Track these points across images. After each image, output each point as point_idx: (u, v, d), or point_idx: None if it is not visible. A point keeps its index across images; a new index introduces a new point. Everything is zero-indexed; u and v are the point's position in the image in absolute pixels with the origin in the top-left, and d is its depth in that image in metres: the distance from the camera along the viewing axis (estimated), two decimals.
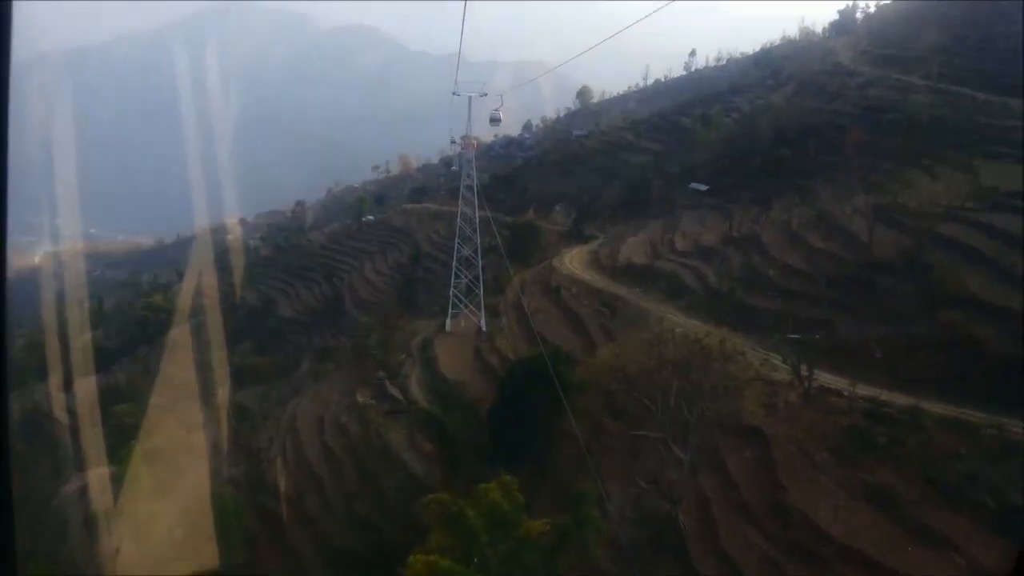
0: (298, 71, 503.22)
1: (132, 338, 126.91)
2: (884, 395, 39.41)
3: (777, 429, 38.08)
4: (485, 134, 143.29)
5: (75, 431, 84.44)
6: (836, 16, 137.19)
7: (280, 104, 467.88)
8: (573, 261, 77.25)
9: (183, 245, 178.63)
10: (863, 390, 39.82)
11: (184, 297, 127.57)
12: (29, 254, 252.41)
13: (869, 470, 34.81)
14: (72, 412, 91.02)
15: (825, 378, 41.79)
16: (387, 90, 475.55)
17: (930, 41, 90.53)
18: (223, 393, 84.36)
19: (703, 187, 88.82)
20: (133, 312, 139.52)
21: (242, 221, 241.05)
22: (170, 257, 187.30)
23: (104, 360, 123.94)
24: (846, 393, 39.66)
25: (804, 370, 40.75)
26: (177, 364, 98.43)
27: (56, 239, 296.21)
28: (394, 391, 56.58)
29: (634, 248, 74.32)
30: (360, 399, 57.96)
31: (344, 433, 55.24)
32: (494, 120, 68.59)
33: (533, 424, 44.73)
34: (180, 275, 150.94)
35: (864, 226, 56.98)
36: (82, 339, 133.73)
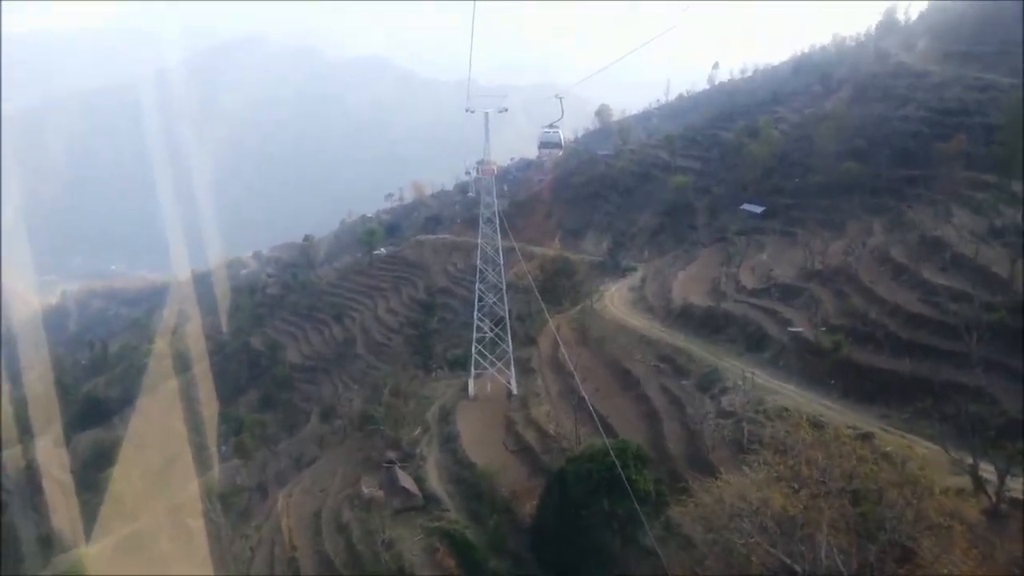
0: (311, 103, 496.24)
1: (134, 386, 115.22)
2: None
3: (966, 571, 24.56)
4: (500, 157, 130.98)
5: (58, 504, 73.31)
6: (880, 17, 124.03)
7: (294, 136, 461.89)
8: (615, 301, 64.27)
9: (197, 281, 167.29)
10: None
11: (184, 342, 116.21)
12: (49, 294, 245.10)
13: None
14: (62, 476, 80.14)
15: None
16: (400, 119, 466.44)
17: (1004, 36, 77.51)
18: (214, 465, 72.59)
19: (758, 208, 75.73)
20: (136, 358, 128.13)
21: (256, 255, 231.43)
22: (184, 293, 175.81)
23: (104, 412, 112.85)
24: None
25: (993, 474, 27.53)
26: (169, 422, 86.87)
27: (76, 278, 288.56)
28: (407, 482, 43.57)
29: (689, 285, 61.20)
30: (366, 490, 45.12)
31: (345, 536, 42.39)
32: (548, 144, 50.87)
33: (594, 551, 31.83)
34: (185, 316, 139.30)
35: (996, 255, 43.89)
36: (83, 390, 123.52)
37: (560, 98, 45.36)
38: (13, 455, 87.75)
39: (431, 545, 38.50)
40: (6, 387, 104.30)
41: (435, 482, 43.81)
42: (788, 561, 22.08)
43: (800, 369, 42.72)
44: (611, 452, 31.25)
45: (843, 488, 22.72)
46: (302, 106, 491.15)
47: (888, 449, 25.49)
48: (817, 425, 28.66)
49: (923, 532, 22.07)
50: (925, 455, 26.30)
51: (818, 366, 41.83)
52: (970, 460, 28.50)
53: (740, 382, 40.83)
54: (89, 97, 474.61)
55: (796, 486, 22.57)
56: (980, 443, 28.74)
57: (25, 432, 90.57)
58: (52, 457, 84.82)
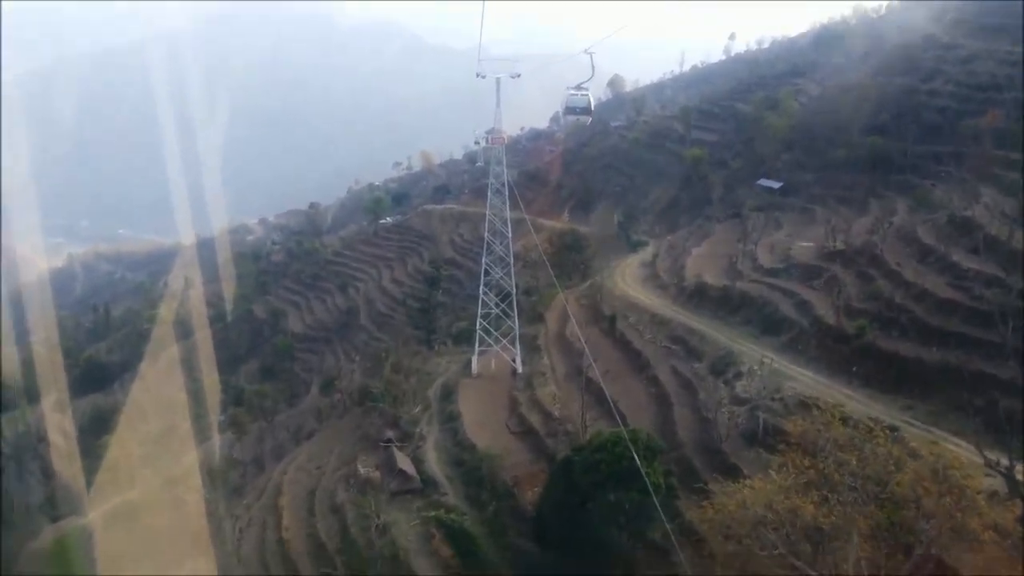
0: (320, 68, 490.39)
1: (135, 352, 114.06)
2: None
3: None
4: (511, 127, 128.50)
5: (57, 470, 72.34)
6: None
7: (302, 102, 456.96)
8: (626, 277, 62.12)
9: (202, 246, 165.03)
10: None
11: (186, 309, 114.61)
12: (56, 257, 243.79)
13: None
14: (60, 440, 79.01)
15: None
16: (410, 86, 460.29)
17: None
18: (213, 436, 71.16)
19: (775, 184, 73.27)
20: (138, 323, 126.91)
21: (262, 221, 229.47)
22: (188, 259, 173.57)
23: (105, 377, 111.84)
24: None
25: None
26: (169, 390, 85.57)
27: (83, 241, 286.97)
28: (405, 463, 41.88)
29: (703, 263, 58.89)
30: (362, 470, 43.46)
31: (339, 518, 40.75)
32: (574, 110, 42.72)
33: (600, 545, 30.08)
34: (189, 282, 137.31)
35: None
36: (84, 354, 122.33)
37: (591, 54, 38.69)
38: (16, 419, 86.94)
39: (427, 532, 36.86)
40: (9, 351, 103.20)
41: (434, 464, 42.06)
42: (813, 574, 20.19)
43: (819, 355, 40.56)
44: (622, 443, 29.37)
45: (877, 495, 20.78)
46: (311, 71, 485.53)
47: (926, 453, 23.22)
48: (846, 420, 26.59)
49: (962, 546, 20.16)
50: (958, 456, 24.09)
51: (839, 352, 39.65)
52: (1005, 461, 26.50)
53: (756, 367, 38.76)
54: (96, 60, 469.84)
55: (826, 493, 20.61)
56: (1019, 443, 26.68)
57: (28, 396, 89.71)
58: (54, 422, 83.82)
